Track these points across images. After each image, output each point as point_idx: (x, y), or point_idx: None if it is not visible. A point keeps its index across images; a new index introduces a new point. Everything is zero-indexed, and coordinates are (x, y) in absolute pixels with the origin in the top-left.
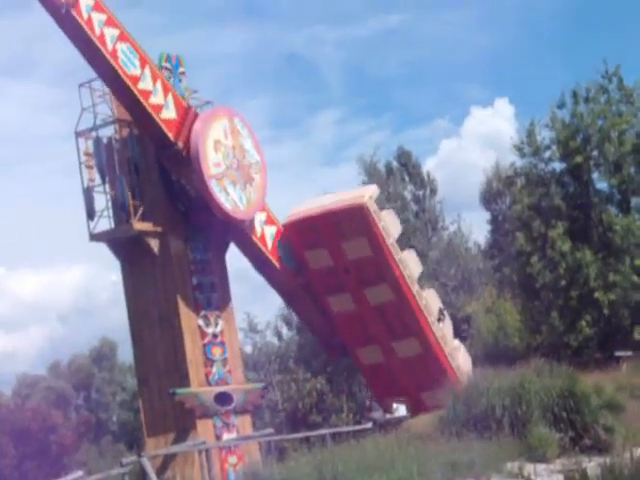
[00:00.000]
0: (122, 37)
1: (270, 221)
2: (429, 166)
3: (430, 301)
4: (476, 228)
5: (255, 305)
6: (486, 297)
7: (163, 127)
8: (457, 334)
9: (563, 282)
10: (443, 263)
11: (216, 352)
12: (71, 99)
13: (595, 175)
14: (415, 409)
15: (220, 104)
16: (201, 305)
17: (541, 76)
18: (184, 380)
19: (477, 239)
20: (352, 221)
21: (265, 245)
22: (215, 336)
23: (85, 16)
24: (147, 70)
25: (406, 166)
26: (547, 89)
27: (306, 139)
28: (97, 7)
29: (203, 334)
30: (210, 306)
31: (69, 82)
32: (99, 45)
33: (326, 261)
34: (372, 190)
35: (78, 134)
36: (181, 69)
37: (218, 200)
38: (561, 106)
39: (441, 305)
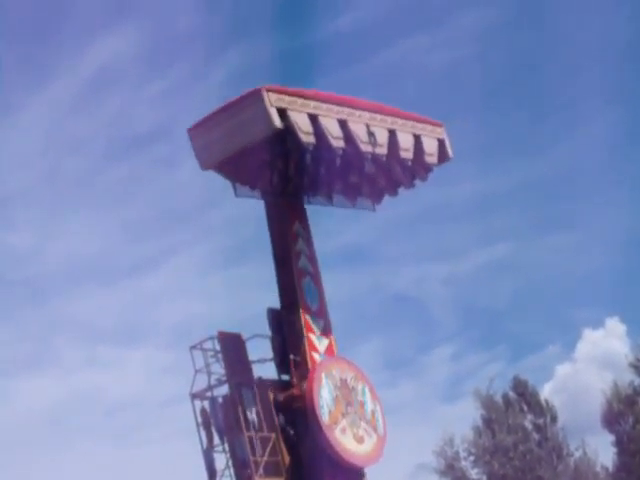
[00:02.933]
0: None
1: None
2: (546, 392)
3: None
4: (602, 451)
5: None
6: None
7: None
8: None
9: None
10: None
11: None
12: (184, 361)
13: None
14: None
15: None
16: None
17: None
18: None
19: (604, 462)
20: None
21: None
22: None
23: None
24: None
25: (523, 395)
26: None
27: (422, 378)
28: None
29: None
30: None
31: (181, 344)
32: None
33: None
34: None
35: (193, 396)
36: None
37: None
38: None
39: None
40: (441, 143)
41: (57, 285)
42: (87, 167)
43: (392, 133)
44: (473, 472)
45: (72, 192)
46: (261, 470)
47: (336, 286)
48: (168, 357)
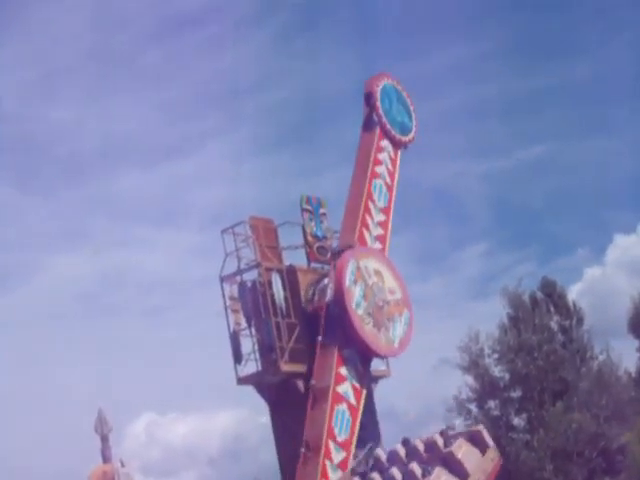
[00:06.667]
0: None
1: None
2: (574, 294)
3: None
4: (626, 356)
5: None
6: None
7: None
8: (611, 466)
9: None
10: (594, 393)
11: None
12: (215, 245)
13: None
14: None
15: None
16: None
17: None
18: None
19: (628, 367)
20: None
21: None
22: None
23: None
24: None
25: (551, 296)
26: None
27: (452, 274)
28: None
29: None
30: (359, 445)
31: (213, 228)
32: None
33: None
34: None
35: (223, 279)
36: (322, 210)
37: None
38: None
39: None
40: None
41: (95, 163)
42: (131, 46)
43: None
44: (496, 370)
45: (115, 70)
46: (286, 356)
47: None
48: (200, 240)
